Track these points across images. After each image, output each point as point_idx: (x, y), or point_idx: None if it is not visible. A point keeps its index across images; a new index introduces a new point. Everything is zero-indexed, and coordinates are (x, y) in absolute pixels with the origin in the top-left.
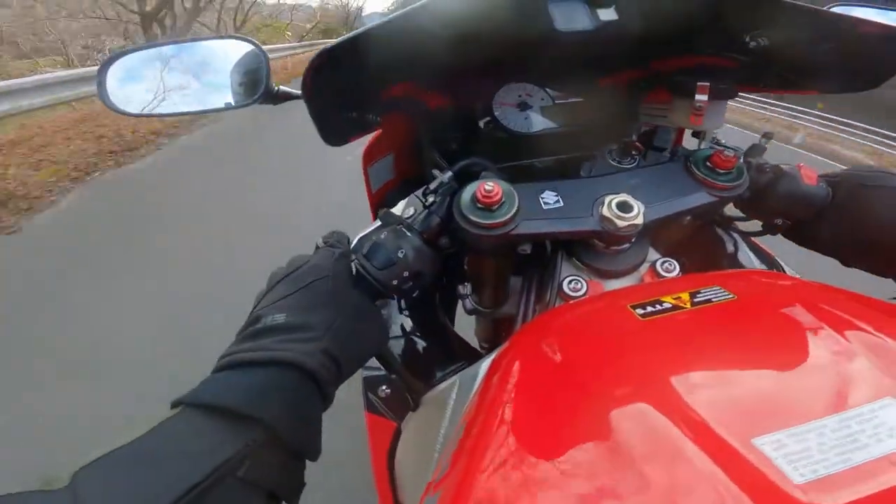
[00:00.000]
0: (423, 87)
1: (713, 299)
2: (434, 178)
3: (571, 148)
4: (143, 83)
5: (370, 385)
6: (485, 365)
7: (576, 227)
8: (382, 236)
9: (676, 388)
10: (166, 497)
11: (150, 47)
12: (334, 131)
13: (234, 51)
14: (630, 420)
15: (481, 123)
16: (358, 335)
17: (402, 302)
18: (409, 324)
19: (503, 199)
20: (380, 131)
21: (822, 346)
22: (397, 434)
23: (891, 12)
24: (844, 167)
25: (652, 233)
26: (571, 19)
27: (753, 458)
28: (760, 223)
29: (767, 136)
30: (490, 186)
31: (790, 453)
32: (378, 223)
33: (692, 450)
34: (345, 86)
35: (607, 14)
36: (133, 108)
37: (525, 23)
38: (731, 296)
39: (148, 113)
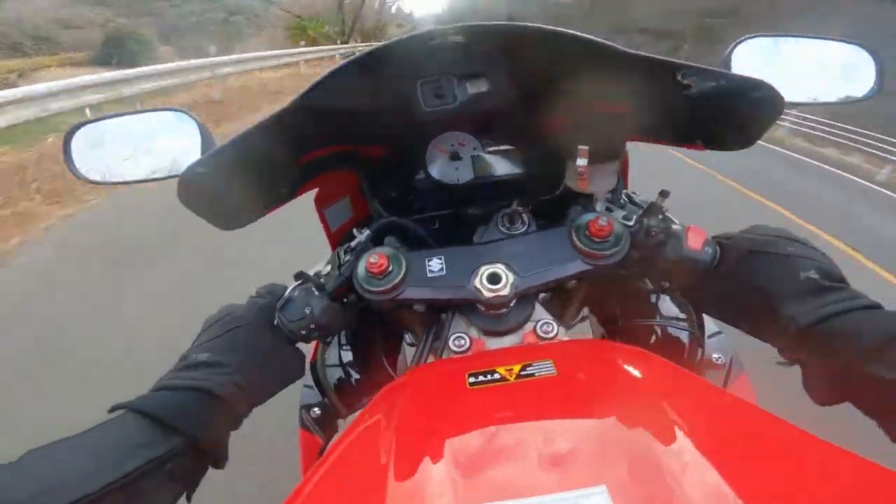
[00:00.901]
0: (354, 143)
1: (536, 374)
2: (355, 235)
3: (500, 196)
4: (103, 152)
5: (305, 405)
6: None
7: (454, 295)
8: (295, 294)
9: (447, 451)
10: (105, 477)
11: (109, 118)
12: (240, 211)
13: (174, 120)
14: (402, 474)
15: (416, 174)
16: (267, 371)
17: (343, 337)
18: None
19: (390, 268)
20: (326, 178)
21: (587, 427)
22: (322, 450)
23: (803, 39)
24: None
25: (537, 294)
26: (437, 98)
27: None
28: None
29: (664, 194)
30: (374, 259)
31: None
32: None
33: None
34: (258, 163)
35: (477, 86)
36: (95, 176)
37: (399, 104)
38: (553, 372)
39: (109, 181)
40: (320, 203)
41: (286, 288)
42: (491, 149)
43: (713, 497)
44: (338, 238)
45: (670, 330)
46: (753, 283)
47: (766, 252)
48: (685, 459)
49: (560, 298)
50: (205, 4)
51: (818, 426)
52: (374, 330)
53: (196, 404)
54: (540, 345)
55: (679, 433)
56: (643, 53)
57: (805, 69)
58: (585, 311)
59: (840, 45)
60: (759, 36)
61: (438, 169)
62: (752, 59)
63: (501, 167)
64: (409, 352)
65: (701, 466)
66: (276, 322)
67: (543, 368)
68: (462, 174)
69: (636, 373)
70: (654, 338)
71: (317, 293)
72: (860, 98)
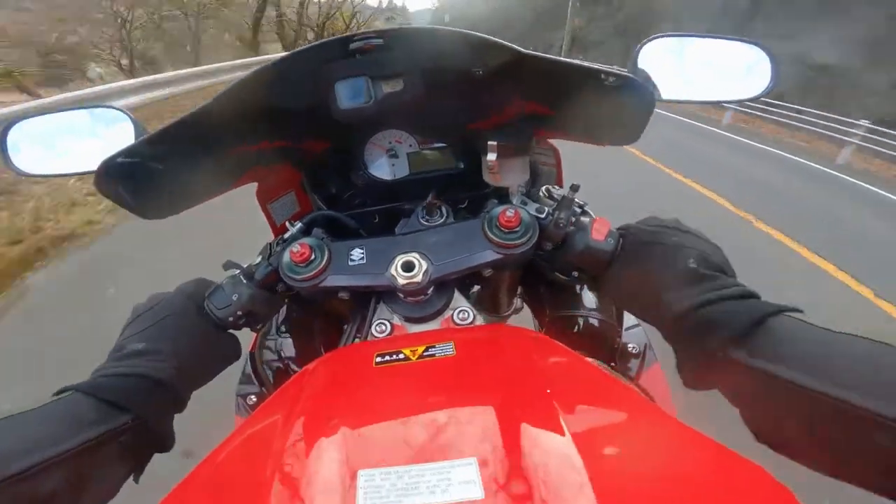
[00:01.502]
0: (291, 140)
1: (437, 354)
2: (289, 228)
3: (429, 192)
4: (39, 147)
5: (242, 392)
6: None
7: (372, 282)
8: (224, 283)
9: (342, 424)
10: (53, 449)
11: (46, 115)
12: (162, 202)
13: (110, 117)
14: (296, 446)
15: (354, 171)
16: (202, 357)
17: (282, 326)
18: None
19: (313, 257)
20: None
21: (470, 404)
22: None
23: (706, 39)
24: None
25: (457, 283)
26: (352, 97)
27: (349, 485)
28: None
29: (574, 187)
30: (297, 248)
31: (371, 486)
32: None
33: (319, 469)
34: (192, 150)
35: (392, 86)
36: (29, 169)
37: (319, 104)
38: (452, 353)
39: (42, 173)
40: (263, 197)
41: (212, 281)
42: (426, 146)
43: (567, 474)
44: (282, 232)
45: (591, 321)
46: (643, 273)
47: (656, 242)
48: (553, 439)
49: (489, 288)
50: None
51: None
52: (314, 319)
53: (140, 388)
54: (448, 330)
55: (553, 415)
56: (536, 53)
57: (706, 68)
58: (520, 302)
59: (739, 45)
60: (664, 36)
61: (376, 165)
62: (657, 58)
63: (436, 163)
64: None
65: (565, 445)
66: (205, 310)
67: (444, 349)
68: (398, 170)
69: (529, 356)
70: (576, 328)
71: (245, 281)
72: (756, 96)
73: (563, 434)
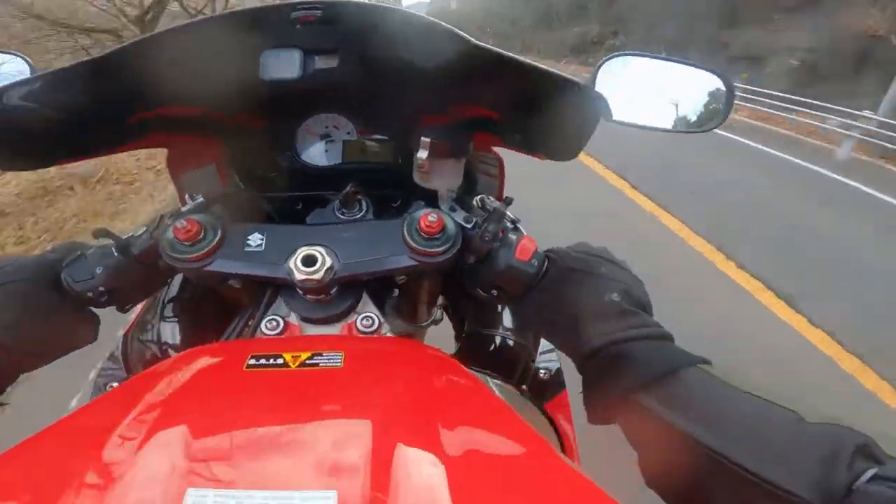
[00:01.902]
0: (215, 108)
1: (321, 364)
2: (189, 201)
3: (366, 184)
4: None
5: (103, 377)
6: None
7: (265, 273)
8: (89, 252)
9: (184, 432)
10: None
11: None
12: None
13: (8, 61)
14: (124, 441)
15: (282, 150)
16: (42, 335)
17: (168, 308)
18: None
19: (203, 236)
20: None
21: (343, 427)
22: None
23: (664, 61)
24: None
25: (368, 285)
26: (279, 69)
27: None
28: None
29: (507, 201)
30: (183, 224)
31: None
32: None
33: (138, 479)
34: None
35: (326, 62)
36: None
37: (235, 70)
38: (339, 364)
39: None
40: (174, 166)
41: (86, 245)
42: (365, 136)
43: None
44: None
45: (508, 341)
46: (563, 300)
47: (581, 270)
48: (429, 480)
49: (404, 295)
50: None
51: None
52: (207, 305)
53: None
54: (342, 337)
55: (435, 450)
56: (489, 47)
57: (664, 92)
58: (440, 313)
59: (700, 72)
60: (626, 54)
61: (308, 150)
62: (616, 77)
63: (373, 156)
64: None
65: (440, 488)
66: (62, 280)
67: (331, 360)
68: (331, 157)
69: (424, 378)
70: (492, 346)
71: (116, 254)
72: (704, 130)
73: (440, 474)
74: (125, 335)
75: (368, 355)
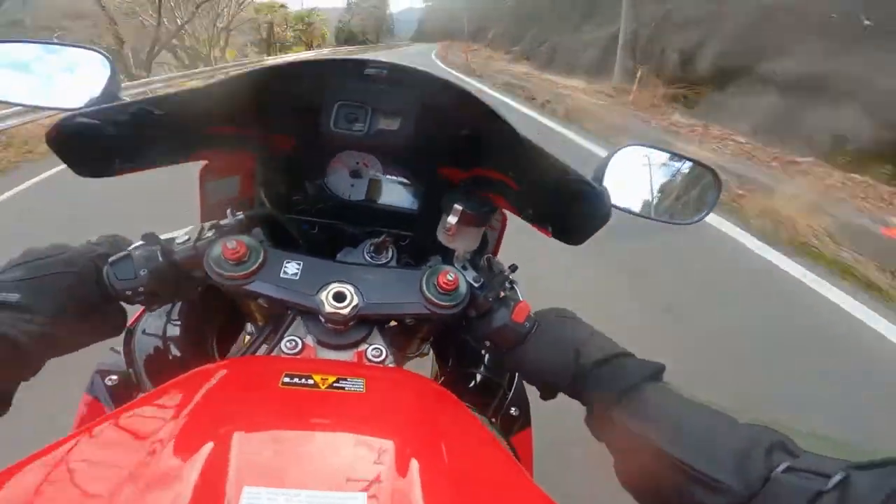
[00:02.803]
0: (263, 131)
1: (346, 388)
2: (228, 216)
3: (382, 223)
4: (8, 71)
5: (102, 371)
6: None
7: (298, 300)
8: (136, 252)
9: (235, 438)
10: None
11: (27, 42)
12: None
13: (91, 60)
14: (184, 442)
15: (313, 178)
16: (81, 325)
17: (176, 310)
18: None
19: (247, 257)
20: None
21: (368, 443)
22: None
23: (670, 154)
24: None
25: (379, 321)
26: (350, 123)
27: (232, 499)
28: None
29: (512, 268)
30: (233, 245)
31: None
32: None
33: (203, 476)
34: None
35: (388, 123)
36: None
37: (313, 114)
38: (362, 390)
39: (12, 100)
40: (205, 175)
41: (128, 241)
42: (391, 177)
43: None
44: (212, 212)
45: (486, 379)
46: (547, 353)
47: (560, 333)
48: (436, 489)
49: (406, 332)
50: None
51: None
52: (212, 310)
53: None
54: (360, 365)
55: (441, 465)
56: (528, 139)
57: (664, 183)
58: (427, 347)
59: (695, 166)
60: (637, 145)
61: (335, 181)
62: (625, 165)
63: (394, 197)
64: (247, 340)
65: (441, 489)
66: (104, 275)
67: (354, 385)
68: (356, 192)
69: (431, 407)
70: (472, 383)
71: (160, 258)
72: (692, 222)
73: (443, 485)
74: (129, 329)
75: (385, 384)
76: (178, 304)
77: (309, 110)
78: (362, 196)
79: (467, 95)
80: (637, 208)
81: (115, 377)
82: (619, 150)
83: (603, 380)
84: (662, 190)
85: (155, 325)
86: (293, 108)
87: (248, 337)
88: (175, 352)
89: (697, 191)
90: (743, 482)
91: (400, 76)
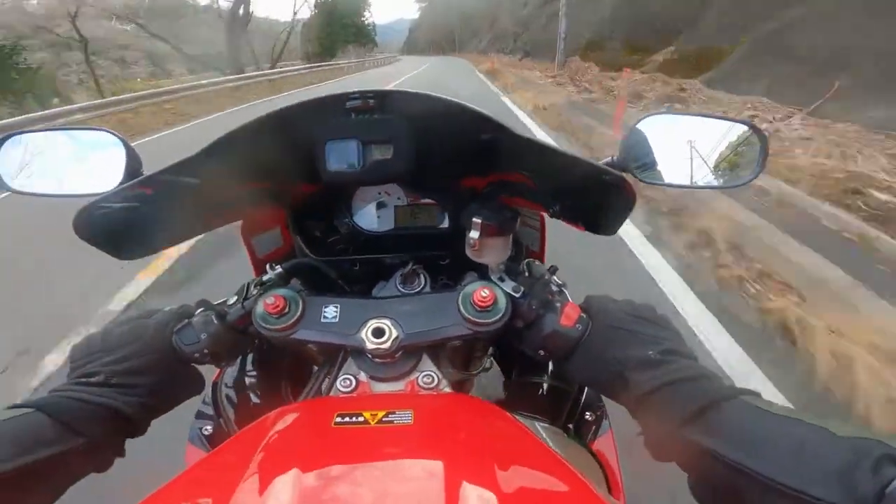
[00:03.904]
0: (286, 181)
1: (395, 421)
2: (269, 271)
3: (417, 247)
4: (30, 164)
5: (199, 421)
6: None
7: (342, 341)
8: (194, 319)
9: (294, 480)
10: (14, 462)
11: (39, 131)
12: (141, 245)
13: (104, 140)
14: (252, 486)
15: (340, 217)
16: (165, 390)
17: (249, 361)
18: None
19: (287, 309)
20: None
21: (421, 474)
22: None
23: (699, 117)
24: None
25: (426, 347)
26: (341, 161)
27: None
28: None
29: (552, 270)
30: (272, 300)
31: None
32: (199, 308)
33: None
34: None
35: (381, 152)
36: (18, 186)
37: (303, 153)
38: (410, 421)
39: (30, 192)
40: (247, 231)
41: (190, 308)
42: (415, 201)
43: None
44: (263, 265)
45: (555, 387)
46: (608, 357)
47: (624, 329)
48: None
49: (462, 350)
50: None
51: None
52: (282, 358)
53: (102, 416)
54: (409, 395)
55: (496, 493)
56: (529, 137)
57: (699, 148)
58: (490, 362)
59: (730, 124)
60: (658, 114)
61: (362, 215)
62: (651, 136)
63: (423, 220)
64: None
65: None
66: (174, 344)
67: (403, 417)
68: (384, 223)
69: (482, 431)
70: (540, 392)
71: (215, 322)
72: (742, 184)
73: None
74: (214, 383)
75: (433, 412)
76: (251, 355)
77: (310, 154)
78: (391, 225)
79: (456, 106)
80: (674, 180)
81: (209, 427)
82: (638, 122)
83: (666, 402)
84: (696, 156)
85: (234, 377)
86: (300, 155)
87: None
88: (254, 399)
89: (736, 150)
90: (851, 499)
91: (382, 101)
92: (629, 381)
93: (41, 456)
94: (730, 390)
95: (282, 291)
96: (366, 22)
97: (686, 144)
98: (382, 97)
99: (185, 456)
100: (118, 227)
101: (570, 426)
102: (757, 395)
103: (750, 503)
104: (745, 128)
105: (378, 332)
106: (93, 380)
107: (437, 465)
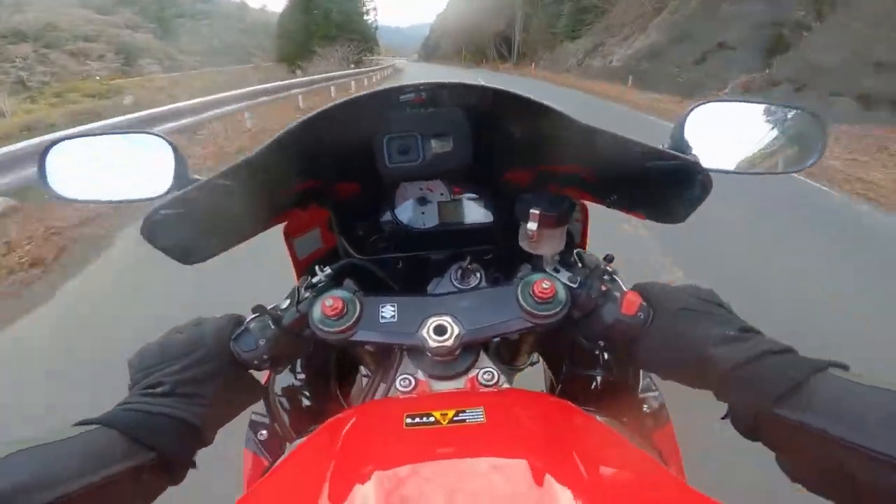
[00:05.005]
0: (330, 180)
1: (467, 420)
2: (317, 272)
3: (464, 243)
4: (78, 170)
5: (253, 426)
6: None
7: (402, 341)
8: (251, 325)
9: (378, 484)
10: (88, 479)
11: (86, 136)
12: (204, 248)
13: (151, 144)
14: (337, 489)
15: (383, 215)
16: (227, 398)
17: (298, 364)
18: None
19: (345, 311)
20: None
21: (503, 472)
22: (266, 472)
23: (751, 104)
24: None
25: (483, 343)
26: (402, 156)
27: None
28: None
29: (608, 258)
30: (330, 302)
31: None
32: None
33: None
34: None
35: (441, 146)
36: (68, 194)
37: (367, 154)
38: (483, 419)
39: (81, 199)
40: (289, 233)
41: (241, 317)
42: (458, 195)
43: None
44: (304, 266)
45: (609, 379)
46: (682, 339)
47: (692, 310)
48: (573, 499)
49: (511, 345)
50: None
51: None
52: (330, 359)
53: (169, 428)
54: (475, 392)
55: (581, 484)
56: (591, 126)
57: (754, 136)
58: (536, 357)
59: (786, 110)
60: (711, 101)
61: (405, 212)
62: (703, 126)
63: (467, 215)
64: (363, 382)
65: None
66: (233, 351)
67: (475, 415)
68: (428, 219)
69: (556, 424)
70: (594, 385)
71: (272, 327)
72: (798, 170)
73: (584, 497)
74: (264, 387)
75: (504, 408)
76: (301, 360)
77: (363, 151)
78: (435, 221)
79: (510, 96)
80: (730, 166)
81: (263, 431)
82: (690, 110)
83: (755, 379)
84: (752, 141)
85: (284, 381)
86: (348, 152)
87: (364, 379)
88: (305, 401)
89: (794, 135)
90: None
91: (438, 94)
92: (711, 358)
93: (113, 472)
94: (819, 363)
95: (338, 293)
96: (364, 15)
97: (740, 131)
98: (436, 88)
99: (243, 464)
100: (182, 233)
101: (625, 420)
102: (845, 366)
103: (854, 475)
104: (800, 111)
105: (440, 330)
106: (157, 390)
107: (520, 463)
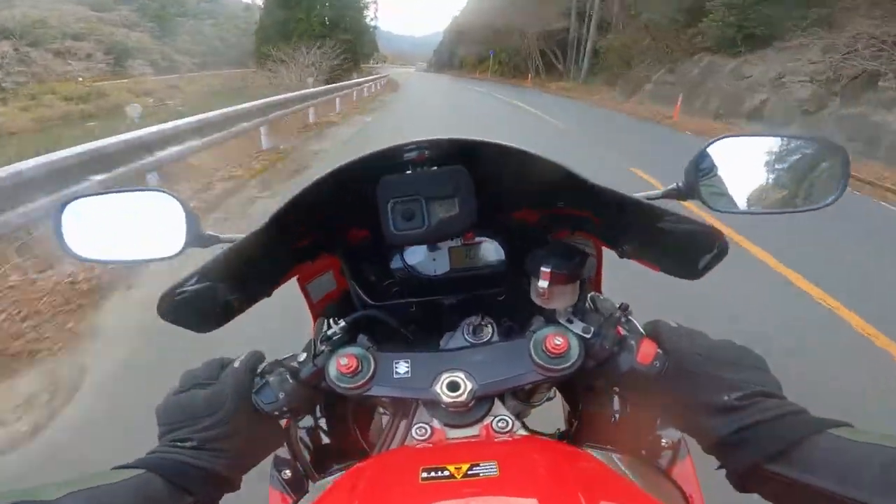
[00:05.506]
0: (336, 231)
1: (481, 474)
2: (332, 324)
3: (474, 286)
4: (92, 229)
5: (277, 465)
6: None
7: (417, 396)
8: (271, 379)
9: None
10: None
11: (97, 195)
12: (220, 317)
13: (161, 201)
14: None
15: (393, 261)
16: (254, 446)
17: (318, 411)
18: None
19: (359, 368)
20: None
21: None
22: None
23: (772, 138)
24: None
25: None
26: (406, 222)
27: None
28: None
29: (623, 307)
30: (345, 361)
31: None
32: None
33: None
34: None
35: (447, 210)
36: (84, 253)
37: (374, 214)
38: (496, 473)
39: (96, 259)
40: (303, 280)
41: (261, 355)
42: (469, 241)
43: None
44: (320, 308)
45: (626, 415)
46: (687, 395)
47: (700, 372)
48: None
49: (527, 391)
50: None
51: None
52: (349, 402)
53: (203, 478)
54: (489, 443)
55: None
56: (601, 185)
57: (771, 171)
58: (554, 391)
59: (803, 142)
60: (726, 137)
61: (415, 257)
62: (719, 161)
63: (478, 259)
64: (382, 420)
65: None
66: (255, 405)
67: (488, 469)
68: (439, 265)
69: (568, 475)
70: (612, 420)
71: (290, 380)
72: (823, 205)
73: None
74: (286, 429)
75: (517, 461)
76: (319, 408)
77: (371, 201)
78: (447, 267)
79: (519, 153)
80: (749, 206)
81: (287, 471)
82: (709, 145)
83: (751, 440)
84: (770, 178)
85: (305, 422)
86: (354, 206)
87: (383, 417)
88: (325, 440)
89: (815, 169)
90: None
91: (441, 149)
92: (705, 422)
93: None
94: (817, 424)
95: (353, 350)
96: (363, 10)
97: (758, 167)
98: (439, 145)
99: (269, 501)
100: (197, 306)
101: (644, 452)
102: (848, 424)
103: None
104: (820, 145)
105: (453, 386)
106: (186, 445)
107: None
